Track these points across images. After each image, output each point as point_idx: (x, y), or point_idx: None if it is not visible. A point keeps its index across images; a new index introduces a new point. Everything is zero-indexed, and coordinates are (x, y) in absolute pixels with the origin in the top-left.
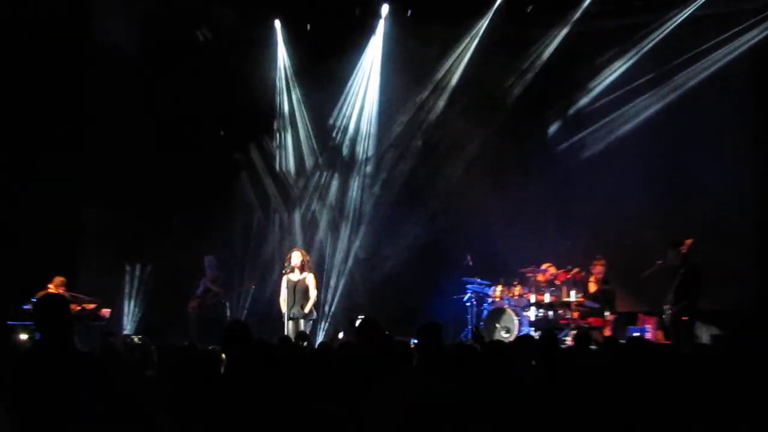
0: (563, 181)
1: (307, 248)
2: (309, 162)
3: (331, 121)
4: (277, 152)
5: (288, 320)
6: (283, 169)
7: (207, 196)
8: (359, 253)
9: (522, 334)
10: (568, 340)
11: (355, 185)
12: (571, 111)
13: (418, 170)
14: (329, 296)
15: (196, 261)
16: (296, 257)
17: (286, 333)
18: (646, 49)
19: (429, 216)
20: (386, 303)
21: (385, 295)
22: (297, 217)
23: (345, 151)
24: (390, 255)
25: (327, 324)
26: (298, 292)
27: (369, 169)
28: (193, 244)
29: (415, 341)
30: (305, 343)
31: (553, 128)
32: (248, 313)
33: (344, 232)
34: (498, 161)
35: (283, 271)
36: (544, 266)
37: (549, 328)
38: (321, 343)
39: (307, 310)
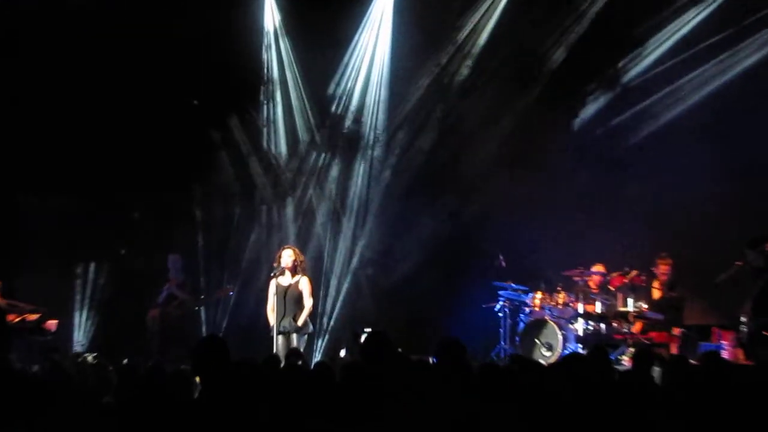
0: (614, 166)
1: (301, 246)
2: (303, 140)
3: (330, 90)
4: (264, 128)
5: (277, 335)
6: (272, 148)
7: (176, 181)
8: (365, 253)
9: (567, 352)
10: (625, 360)
11: (360, 170)
12: (623, 80)
13: (436, 152)
14: (328, 305)
15: (163, 261)
16: (287, 257)
17: (275, 351)
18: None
19: (450, 207)
20: (399, 313)
21: (397, 304)
22: (289, 207)
23: (348, 127)
24: (403, 255)
25: (326, 339)
26: (290, 299)
27: (377, 150)
28: (158, 240)
29: (435, 360)
30: (299, 363)
31: (599, 101)
32: (227, 327)
33: (347, 226)
34: (533, 141)
35: (272, 274)
36: (594, 268)
37: (600, 345)
38: (318, 363)
39: (300, 322)
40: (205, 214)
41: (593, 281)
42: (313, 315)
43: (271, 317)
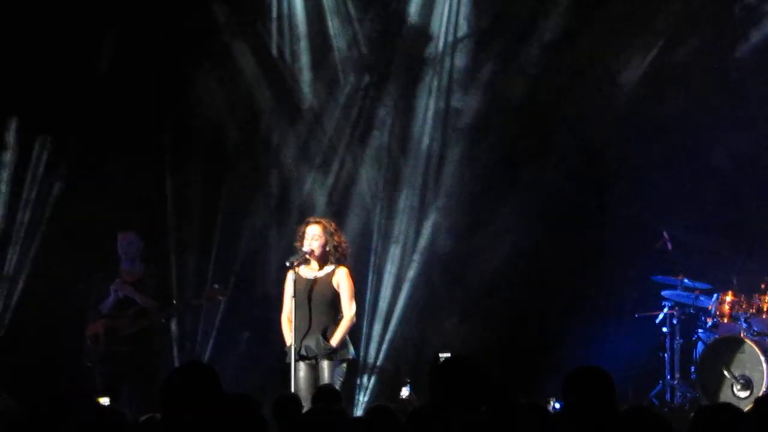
0: None
1: (338, 221)
2: (339, 48)
3: None
4: (275, 25)
5: (297, 360)
6: (287, 59)
7: (122, 115)
8: (438, 235)
9: None
10: None
11: (427, 105)
12: None
13: (551, 72)
14: (380, 314)
15: (108, 244)
16: (313, 235)
17: (293, 387)
18: None
19: (574, 157)
20: (496, 328)
21: (492, 314)
22: (314, 158)
23: (409, 27)
24: (499, 235)
25: (376, 369)
26: (318, 303)
27: (456, 70)
28: (100, 217)
29: (559, 405)
30: (333, 407)
31: None
32: (215, 350)
33: (408, 194)
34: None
35: (289, 263)
36: None
37: None
38: (370, 409)
39: (335, 340)
40: (179, 178)
41: None
42: (355, 329)
43: (288, 333)
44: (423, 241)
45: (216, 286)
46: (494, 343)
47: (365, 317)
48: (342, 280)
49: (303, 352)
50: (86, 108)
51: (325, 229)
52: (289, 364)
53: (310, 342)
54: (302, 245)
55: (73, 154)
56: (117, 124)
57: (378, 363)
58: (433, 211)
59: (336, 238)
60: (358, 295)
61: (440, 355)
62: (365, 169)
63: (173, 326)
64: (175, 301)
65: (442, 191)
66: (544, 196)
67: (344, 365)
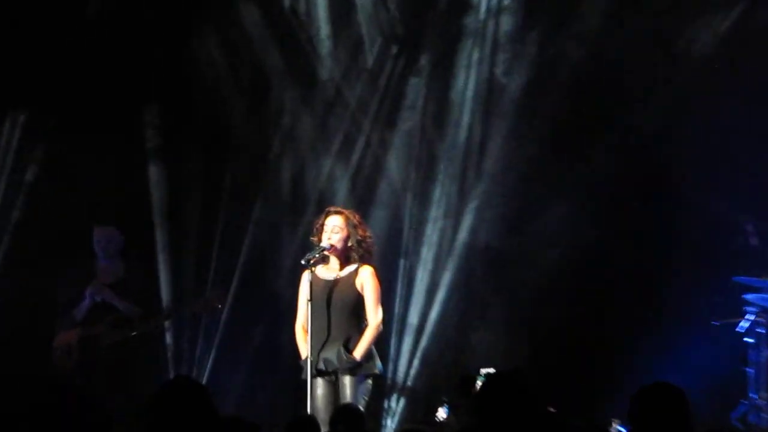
0: None
1: (362, 212)
2: (363, 5)
3: None
4: None
5: (314, 376)
6: (301, 17)
7: (106, 88)
8: (479, 229)
9: None
10: None
11: (467, 77)
12: None
13: (610, 43)
14: (411, 322)
15: (84, 240)
16: (335, 227)
17: (309, 408)
18: None
19: (637, 142)
20: (545, 339)
21: (541, 323)
22: (334, 139)
23: None
24: (552, 229)
25: (407, 387)
26: (338, 309)
27: (501, 36)
28: (73, 208)
29: (623, 430)
30: (358, 431)
31: None
32: (215, 365)
33: (444, 182)
34: None
35: (305, 261)
36: None
37: None
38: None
39: (359, 352)
40: (171, 161)
41: None
42: (381, 340)
43: (303, 344)
44: (461, 238)
45: (214, 291)
46: (546, 356)
47: (394, 326)
48: (366, 280)
49: (321, 366)
50: (65, 80)
51: (347, 220)
52: (305, 380)
53: (330, 354)
54: (320, 240)
55: (50, 134)
56: (100, 99)
57: (409, 380)
58: (473, 203)
59: (360, 231)
60: (386, 300)
61: (482, 370)
62: (394, 152)
63: (168, 338)
64: (163, 311)
65: (484, 179)
66: (604, 184)
67: (369, 381)
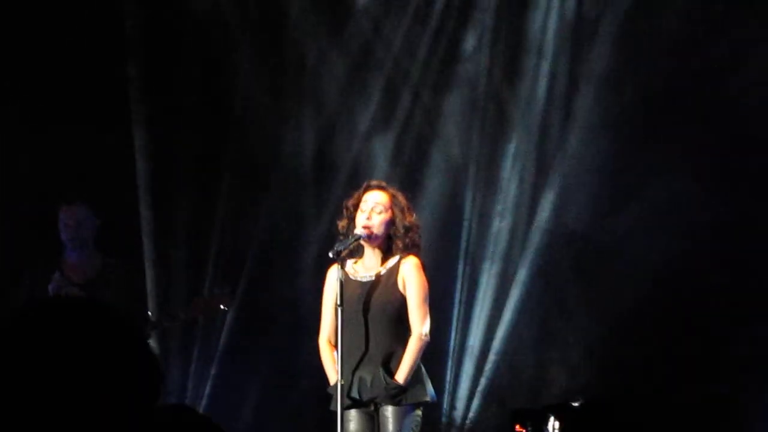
0: None
1: (409, 190)
2: None
3: None
4: None
5: (345, 408)
6: None
7: (79, 39)
8: (564, 217)
9: None
10: None
11: (546, 23)
12: None
13: None
14: (477, 341)
15: (48, 223)
16: (377, 206)
17: None
18: None
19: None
20: (654, 361)
21: (648, 338)
22: (370, 93)
23: None
24: (659, 219)
25: (472, 419)
26: (379, 315)
27: None
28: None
29: None
30: None
31: None
32: (217, 388)
33: (520, 154)
34: None
35: (334, 253)
36: None
37: None
38: None
39: (404, 373)
40: (158, 126)
41: None
42: (435, 360)
43: (331, 364)
44: (538, 228)
45: (217, 290)
46: (648, 383)
47: (451, 344)
48: (410, 274)
49: (355, 394)
50: (27, 32)
51: (393, 200)
52: (335, 411)
53: (366, 376)
54: (354, 225)
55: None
56: (73, 53)
57: (472, 411)
58: (554, 183)
59: (408, 217)
60: (440, 311)
61: (572, 403)
62: (450, 112)
63: (153, 346)
64: (150, 313)
65: (567, 152)
66: (723, 156)
67: (419, 413)
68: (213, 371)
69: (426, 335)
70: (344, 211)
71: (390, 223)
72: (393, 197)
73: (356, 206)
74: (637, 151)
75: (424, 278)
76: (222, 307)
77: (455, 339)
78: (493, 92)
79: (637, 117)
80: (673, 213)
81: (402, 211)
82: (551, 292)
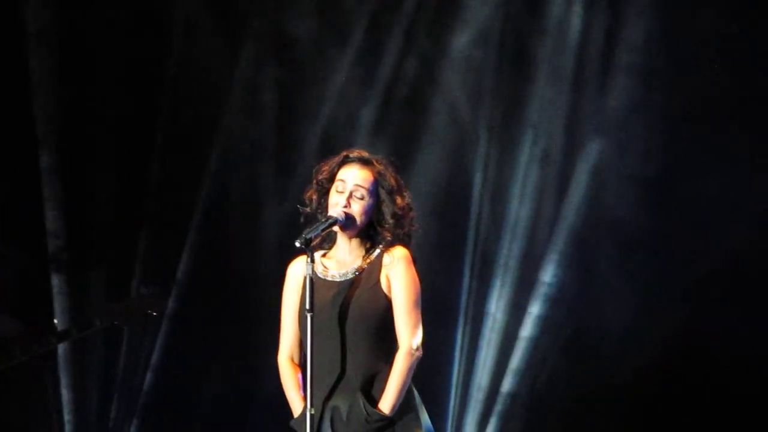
0: None
1: (398, 163)
2: None
3: None
4: None
5: None
6: None
7: None
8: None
9: None
10: None
11: None
12: None
13: None
14: (490, 357)
15: None
16: (357, 185)
17: None
18: None
19: None
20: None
21: (714, 360)
22: (349, 39)
23: None
24: (727, 199)
25: None
26: (359, 324)
27: None
28: None
29: None
30: None
31: None
32: (150, 409)
33: (543, 108)
34: None
35: (302, 241)
36: None
37: None
38: None
39: (390, 400)
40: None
41: None
42: (427, 377)
43: (295, 389)
44: (570, 217)
45: (144, 291)
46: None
47: (455, 368)
48: (396, 269)
49: (326, 429)
50: None
51: (379, 179)
52: None
53: (342, 406)
54: (327, 203)
55: None
56: None
57: None
58: (590, 157)
59: (398, 199)
60: (439, 324)
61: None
62: (454, 65)
63: (62, 372)
64: (56, 321)
65: (607, 113)
66: None
67: None
68: (140, 402)
69: (418, 349)
70: (314, 182)
71: (374, 210)
72: (379, 176)
73: (330, 181)
74: (697, 122)
75: (414, 275)
76: (150, 312)
77: (459, 363)
78: (508, 39)
79: (699, 77)
80: (738, 200)
81: (390, 193)
82: (586, 301)
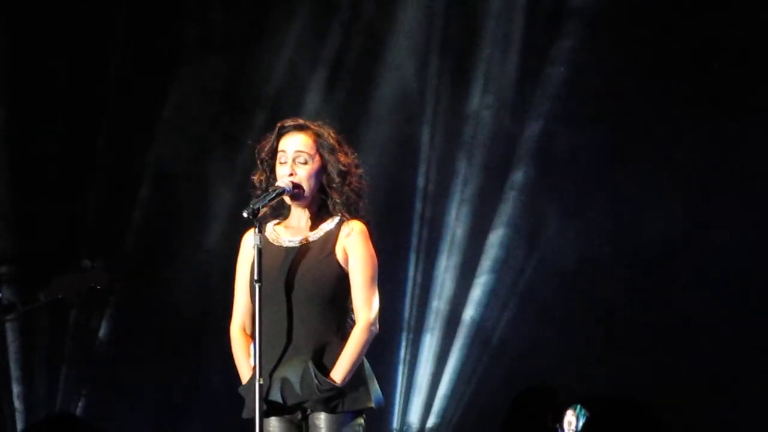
0: None
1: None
2: None
3: None
4: None
5: (268, 415)
6: None
7: None
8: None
9: None
10: None
11: None
12: None
13: None
14: (432, 328)
15: None
16: (298, 152)
17: None
18: None
19: None
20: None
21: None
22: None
23: None
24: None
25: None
26: (308, 294)
27: None
28: None
29: None
30: None
31: None
32: (93, 400)
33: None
34: None
35: (250, 211)
36: None
37: None
38: None
39: (342, 371)
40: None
41: None
42: (381, 352)
43: (244, 358)
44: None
45: (88, 264)
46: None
47: (404, 334)
48: (354, 243)
49: (277, 397)
50: None
51: (318, 140)
52: (252, 420)
53: (292, 375)
54: (275, 177)
55: None
56: None
57: (433, 416)
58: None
59: (342, 158)
60: (392, 292)
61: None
62: (401, 31)
63: (11, 352)
64: (1, 296)
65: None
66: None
67: (360, 422)
68: (88, 383)
69: (375, 324)
70: (258, 163)
71: (320, 172)
72: (317, 137)
73: (273, 157)
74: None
75: (372, 250)
76: (95, 285)
77: (407, 330)
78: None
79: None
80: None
81: (332, 152)
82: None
